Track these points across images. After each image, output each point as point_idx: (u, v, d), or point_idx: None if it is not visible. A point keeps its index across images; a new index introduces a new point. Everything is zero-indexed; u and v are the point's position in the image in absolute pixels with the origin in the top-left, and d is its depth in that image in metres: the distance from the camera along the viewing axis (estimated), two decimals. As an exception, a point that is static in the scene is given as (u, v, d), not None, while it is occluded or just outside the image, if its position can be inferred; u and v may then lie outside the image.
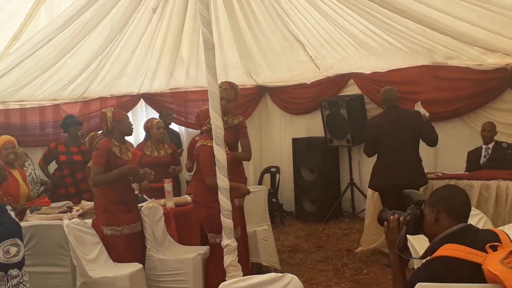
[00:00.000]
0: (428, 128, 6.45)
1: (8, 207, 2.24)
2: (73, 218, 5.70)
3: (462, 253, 2.63)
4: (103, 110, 5.69)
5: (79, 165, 7.50)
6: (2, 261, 2.12)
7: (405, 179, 6.16)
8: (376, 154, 6.64)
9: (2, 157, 5.99)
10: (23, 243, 2.24)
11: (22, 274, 2.19)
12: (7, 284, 2.14)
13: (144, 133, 7.41)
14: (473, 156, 7.06)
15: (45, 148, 7.89)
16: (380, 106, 6.79)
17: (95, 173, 5.40)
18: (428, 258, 2.80)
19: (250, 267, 6.10)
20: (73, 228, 5.19)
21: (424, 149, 7.59)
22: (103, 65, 7.57)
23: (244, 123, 6.13)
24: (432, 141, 6.57)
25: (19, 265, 2.17)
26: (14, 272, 2.16)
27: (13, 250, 2.15)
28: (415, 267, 3.65)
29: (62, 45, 6.18)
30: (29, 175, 7.02)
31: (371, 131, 6.62)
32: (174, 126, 9.53)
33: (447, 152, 7.98)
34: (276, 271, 6.39)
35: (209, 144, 5.15)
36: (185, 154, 7.54)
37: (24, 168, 6.98)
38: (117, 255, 5.39)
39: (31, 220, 5.71)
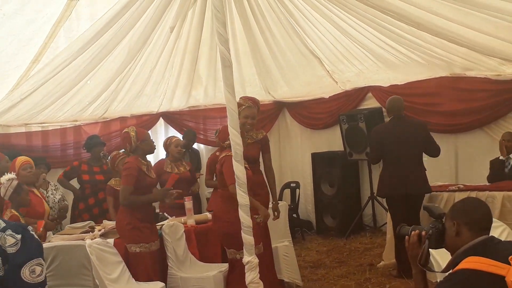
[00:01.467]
0: (431, 139, 6.58)
1: (30, 228, 2.28)
2: (95, 238, 5.73)
3: (485, 265, 2.61)
4: (125, 130, 5.69)
5: (101, 184, 7.53)
6: (28, 281, 2.16)
7: (410, 189, 6.38)
8: (382, 162, 6.75)
9: (22, 178, 5.96)
10: (45, 262, 2.28)
11: None
12: None
13: (164, 151, 7.48)
14: (497, 164, 7.00)
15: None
16: (387, 115, 6.85)
17: (127, 192, 5.40)
18: (451, 271, 2.79)
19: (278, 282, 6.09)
20: (95, 248, 5.21)
21: (445, 161, 7.64)
22: (122, 85, 7.65)
23: (267, 138, 6.18)
24: (435, 152, 6.64)
25: (43, 284, 2.21)
26: None
27: (38, 269, 2.20)
28: (438, 280, 3.62)
29: (82, 66, 6.26)
30: (47, 198, 7.06)
31: (376, 139, 6.75)
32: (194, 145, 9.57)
33: (469, 164, 7.93)
34: (298, 287, 6.38)
35: (229, 154, 5.13)
36: (204, 171, 7.61)
37: (45, 191, 7.04)
38: (146, 272, 5.39)
39: (53, 241, 5.75)
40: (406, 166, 6.45)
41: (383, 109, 8.78)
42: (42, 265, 2.24)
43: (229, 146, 5.23)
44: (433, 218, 2.99)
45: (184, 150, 7.40)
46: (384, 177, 6.69)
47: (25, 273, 2.15)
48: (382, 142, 6.62)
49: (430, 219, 3.04)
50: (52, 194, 7.26)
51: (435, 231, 2.92)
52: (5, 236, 2.15)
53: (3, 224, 2.20)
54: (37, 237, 2.31)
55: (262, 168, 6.13)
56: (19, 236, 2.18)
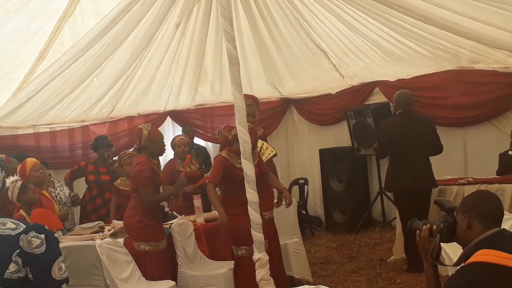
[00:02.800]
0: (436, 137, 6.60)
1: (46, 227, 2.30)
2: (105, 237, 5.72)
3: (497, 258, 2.59)
4: (139, 126, 5.61)
5: (107, 185, 7.53)
6: (57, 278, 2.20)
7: (417, 184, 6.41)
8: (389, 156, 6.84)
9: (34, 179, 5.93)
10: None
11: None
12: None
13: (172, 151, 7.46)
14: (506, 158, 6.95)
15: (75, 170, 7.95)
16: (394, 109, 6.83)
17: (148, 194, 5.35)
18: (462, 264, 2.77)
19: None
20: (105, 247, 5.22)
21: (454, 155, 7.58)
22: (129, 82, 7.65)
23: (265, 134, 6.24)
24: (437, 151, 6.67)
25: (67, 280, 2.25)
26: (64, 287, 2.24)
27: (63, 266, 2.25)
28: (449, 274, 3.61)
29: (88, 64, 6.26)
30: (57, 195, 7.07)
31: (385, 134, 6.73)
32: (201, 142, 9.57)
33: (478, 157, 7.89)
34: (308, 283, 6.35)
35: (223, 154, 5.39)
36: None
37: (53, 189, 7.06)
38: (153, 271, 5.38)
39: (64, 242, 5.74)
40: (413, 161, 6.45)
41: (391, 104, 8.76)
42: (64, 262, 2.28)
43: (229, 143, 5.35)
44: (444, 212, 2.97)
45: (188, 147, 7.34)
46: (391, 172, 6.73)
47: (55, 271, 2.20)
48: (390, 136, 6.62)
49: (439, 214, 3.02)
50: (61, 190, 7.25)
51: (446, 225, 2.90)
52: (30, 238, 2.17)
53: (23, 226, 2.21)
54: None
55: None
56: (42, 236, 2.21)
